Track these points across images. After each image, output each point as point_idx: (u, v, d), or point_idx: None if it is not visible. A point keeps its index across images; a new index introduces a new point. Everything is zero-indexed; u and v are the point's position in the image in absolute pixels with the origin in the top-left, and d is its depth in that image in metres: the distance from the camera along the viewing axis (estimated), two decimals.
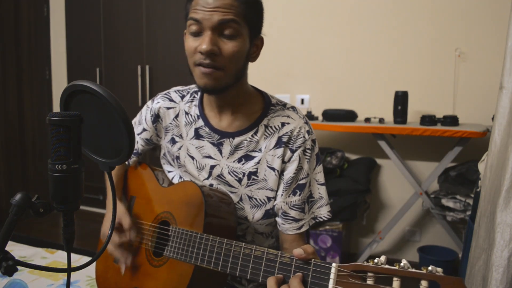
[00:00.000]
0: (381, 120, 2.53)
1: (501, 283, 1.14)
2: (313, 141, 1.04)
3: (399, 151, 2.63)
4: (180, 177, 1.12)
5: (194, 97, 1.10)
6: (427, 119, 2.36)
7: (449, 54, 2.55)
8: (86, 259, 1.54)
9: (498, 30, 2.41)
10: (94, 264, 1.01)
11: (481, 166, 1.44)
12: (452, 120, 2.33)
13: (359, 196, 2.54)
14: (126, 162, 1.22)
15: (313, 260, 0.71)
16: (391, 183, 2.81)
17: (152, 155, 1.25)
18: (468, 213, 2.27)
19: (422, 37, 2.62)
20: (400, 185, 2.74)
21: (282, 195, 1.01)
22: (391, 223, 2.55)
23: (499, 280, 1.14)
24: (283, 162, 1.01)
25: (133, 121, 1.18)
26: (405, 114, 2.43)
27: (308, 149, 1.02)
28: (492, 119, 1.37)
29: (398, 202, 2.74)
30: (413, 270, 0.59)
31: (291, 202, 1.01)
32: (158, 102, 1.13)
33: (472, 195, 2.25)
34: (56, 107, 4.06)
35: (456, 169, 2.38)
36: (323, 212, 1.04)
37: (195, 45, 0.92)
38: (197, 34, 0.92)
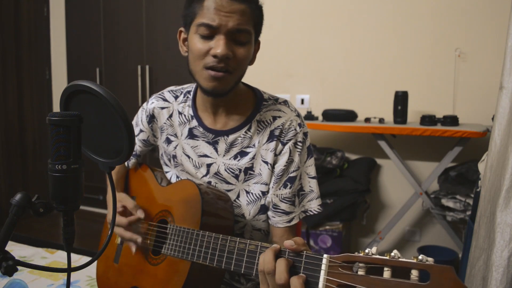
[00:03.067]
0: (381, 120, 2.53)
1: (501, 283, 1.14)
2: (305, 134, 1.04)
3: (399, 151, 2.63)
4: (177, 177, 1.12)
5: (188, 97, 1.10)
6: (427, 119, 2.36)
7: (449, 54, 2.55)
8: (86, 259, 1.54)
9: (498, 30, 2.41)
10: (94, 264, 1.01)
11: (481, 166, 1.44)
12: (452, 120, 2.33)
13: (359, 196, 2.54)
14: (126, 164, 1.22)
15: (305, 252, 0.71)
16: (391, 183, 2.81)
17: (151, 157, 1.25)
18: (468, 213, 2.27)
19: (422, 37, 2.62)
20: (400, 185, 2.74)
21: (272, 187, 1.02)
22: (391, 223, 2.55)
23: (499, 280, 1.14)
24: (275, 155, 1.02)
25: None
26: (405, 114, 2.43)
27: (299, 141, 1.03)
28: (492, 119, 1.37)
29: (398, 202, 2.74)
30: (404, 259, 0.59)
31: (281, 194, 1.02)
32: (152, 103, 1.13)
33: (472, 195, 2.25)
34: (56, 107, 4.06)
35: (456, 169, 2.38)
36: (314, 205, 1.05)
37: (206, 47, 0.91)
38: (208, 37, 0.91)
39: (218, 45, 0.89)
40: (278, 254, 0.73)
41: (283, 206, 1.02)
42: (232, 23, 0.89)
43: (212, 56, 0.90)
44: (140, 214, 1.06)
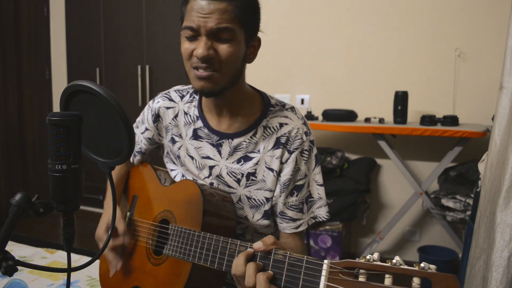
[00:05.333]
0: (381, 120, 2.53)
1: (501, 283, 1.14)
2: (311, 142, 1.05)
3: (399, 151, 2.63)
4: (183, 175, 1.12)
5: (194, 97, 1.10)
6: (427, 119, 2.36)
7: (449, 54, 2.55)
8: (86, 259, 1.54)
9: (498, 30, 2.41)
10: (94, 264, 1.01)
11: (481, 166, 1.44)
12: (452, 120, 2.33)
13: (359, 196, 2.54)
14: (131, 161, 1.23)
15: (305, 257, 0.71)
16: (391, 183, 2.81)
17: (154, 155, 1.25)
18: (468, 213, 2.27)
19: (422, 37, 2.62)
20: (400, 185, 2.74)
21: (280, 196, 1.02)
22: (391, 223, 2.55)
23: (499, 280, 1.14)
24: (281, 163, 1.02)
25: (136, 120, 1.20)
26: (405, 114, 2.43)
27: (306, 150, 1.03)
28: (492, 119, 1.37)
29: (398, 202, 2.74)
30: (405, 267, 0.58)
31: (288, 202, 1.03)
32: (158, 102, 1.13)
33: (472, 195, 2.25)
34: (56, 107, 4.06)
35: (456, 169, 2.38)
36: (322, 212, 1.06)
37: (191, 48, 0.92)
38: (192, 38, 0.93)
39: (199, 47, 0.91)
40: (250, 258, 0.76)
41: (290, 213, 1.03)
42: (211, 23, 0.89)
43: (195, 57, 0.92)
44: (126, 242, 1.08)
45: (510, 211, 1.15)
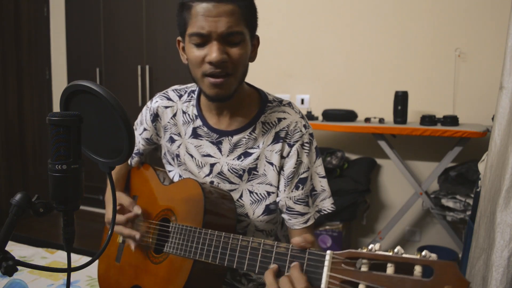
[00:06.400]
0: (381, 120, 2.53)
1: (501, 283, 1.14)
2: (311, 135, 1.05)
3: (399, 151, 2.63)
4: (180, 176, 1.12)
5: (192, 96, 1.11)
6: (427, 119, 2.36)
7: (449, 54, 2.55)
8: (86, 259, 1.54)
9: (498, 30, 2.41)
10: (94, 264, 1.01)
11: (481, 166, 1.44)
12: (452, 120, 2.33)
13: (359, 196, 2.54)
14: (129, 163, 1.23)
15: (308, 248, 0.71)
16: (391, 183, 2.81)
17: (152, 156, 1.25)
18: (468, 213, 2.27)
19: (422, 37, 2.62)
20: (400, 185, 2.74)
21: (284, 190, 1.03)
22: (391, 223, 2.55)
23: (499, 280, 1.14)
24: (282, 157, 1.03)
25: (135, 122, 1.20)
26: (405, 114, 2.43)
27: (306, 143, 1.03)
28: (492, 119, 1.37)
29: (398, 202, 2.74)
30: (407, 255, 0.59)
31: (294, 197, 1.03)
32: (156, 102, 1.14)
33: (472, 195, 2.25)
34: (56, 107, 4.06)
35: (456, 169, 2.38)
36: (327, 204, 1.06)
37: (202, 55, 0.91)
38: (202, 44, 0.91)
39: (212, 52, 0.90)
40: (277, 274, 0.73)
41: (298, 208, 1.03)
42: (221, 28, 0.89)
43: (208, 63, 0.91)
44: (136, 210, 1.05)
45: (510, 211, 1.15)
